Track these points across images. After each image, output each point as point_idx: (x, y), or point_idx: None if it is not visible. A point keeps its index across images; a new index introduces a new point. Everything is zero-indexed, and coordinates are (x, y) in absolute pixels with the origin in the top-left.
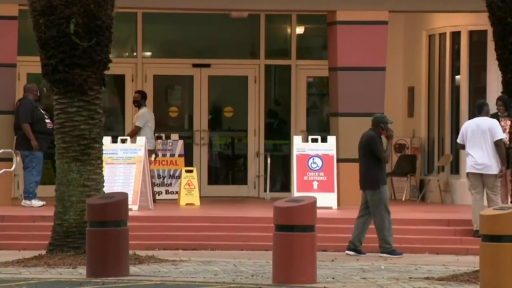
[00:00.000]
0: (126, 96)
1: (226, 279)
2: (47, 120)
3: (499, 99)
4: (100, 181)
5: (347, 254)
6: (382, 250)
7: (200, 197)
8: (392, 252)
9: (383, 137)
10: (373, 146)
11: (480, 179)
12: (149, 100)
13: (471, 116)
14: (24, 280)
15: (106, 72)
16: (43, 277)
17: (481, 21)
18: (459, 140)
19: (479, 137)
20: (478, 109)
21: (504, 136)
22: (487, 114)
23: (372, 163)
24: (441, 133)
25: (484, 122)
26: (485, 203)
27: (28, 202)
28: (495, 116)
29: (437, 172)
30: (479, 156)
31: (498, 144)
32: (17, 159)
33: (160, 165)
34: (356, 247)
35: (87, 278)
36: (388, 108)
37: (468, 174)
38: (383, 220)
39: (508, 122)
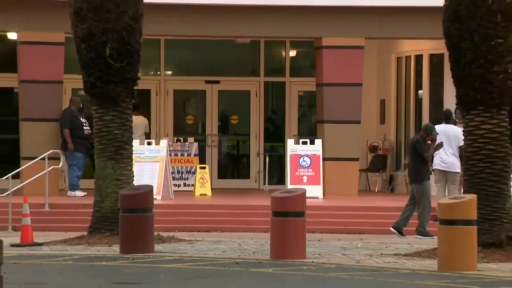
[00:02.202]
0: (152, 107)
1: (232, 255)
2: (86, 127)
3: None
4: (130, 176)
5: (391, 230)
6: (418, 233)
7: (212, 189)
8: (425, 234)
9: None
10: (418, 148)
11: (444, 175)
12: (169, 110)
13: (432, 122)
14: (69, 256)
15: (135, 87)
16: (84, 253)
17: (439, 46)
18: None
19: (446, 141)
20: (446, 117)
21: None
22: (454, 122)
23: (418, 162)
24: (407, 137)
25: (451, 129)
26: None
27: (72, 193)
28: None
29: (404, 168)
30: (445, 156)
31: (462, 148)
32: (63, 158)
33: (179, 163)
34: (400, 228)
35: (120, 254)
36: (364, 117)
37: (434, 170)
38: (424, 209)
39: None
